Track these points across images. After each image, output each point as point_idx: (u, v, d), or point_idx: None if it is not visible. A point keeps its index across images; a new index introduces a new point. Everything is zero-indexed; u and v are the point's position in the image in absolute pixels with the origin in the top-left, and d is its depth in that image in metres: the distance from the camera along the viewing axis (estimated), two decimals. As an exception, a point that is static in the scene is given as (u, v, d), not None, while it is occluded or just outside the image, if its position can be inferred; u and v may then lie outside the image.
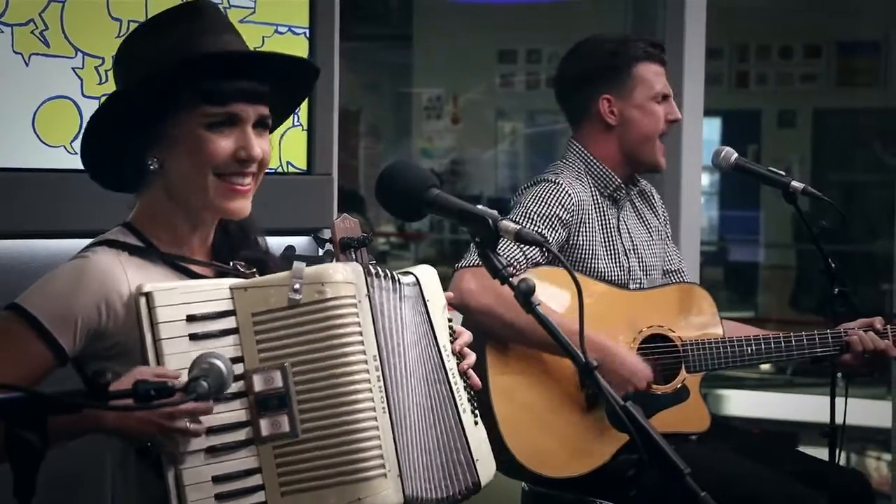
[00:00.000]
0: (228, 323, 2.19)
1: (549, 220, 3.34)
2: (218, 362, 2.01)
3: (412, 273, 2.39)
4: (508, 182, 11.70)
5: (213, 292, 2.20)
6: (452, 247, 10.74)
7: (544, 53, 10.98)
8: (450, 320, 2.47)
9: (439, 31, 11.47)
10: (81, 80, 3.03)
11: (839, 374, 3.57)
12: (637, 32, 4.66)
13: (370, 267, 2.27)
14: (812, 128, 10.85)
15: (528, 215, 3.33)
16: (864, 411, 5.83)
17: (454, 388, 2.40)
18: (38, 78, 2.97)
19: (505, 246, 3.13)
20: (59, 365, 2.25)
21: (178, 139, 2.29)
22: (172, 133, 2.29)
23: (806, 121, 10.89)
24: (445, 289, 2.50)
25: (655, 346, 3.40)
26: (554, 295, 3.19)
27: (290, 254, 2.38)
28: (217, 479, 2.15)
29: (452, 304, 3.23)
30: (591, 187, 3.49)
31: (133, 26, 3.06)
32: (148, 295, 2.15)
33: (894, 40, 10.15)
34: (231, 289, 2.21)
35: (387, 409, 2.21)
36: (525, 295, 2.08)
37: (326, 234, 2.41)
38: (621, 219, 3.54)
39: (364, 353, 2.19)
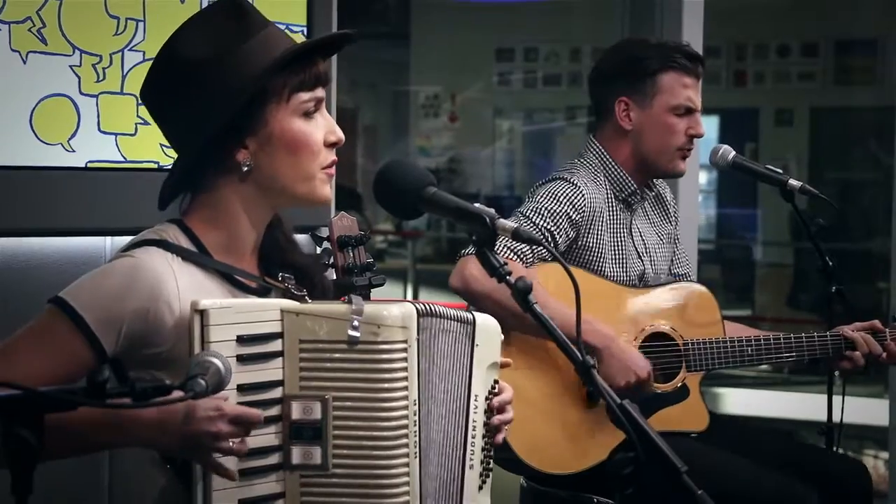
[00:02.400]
0: (275, 346, 2.15)
1: (558, 217, 3.34)
2: (216, 361, 2.01)
3: (472, 314, 2.32)
4: (506, 180, 11.71)
5: (264, 313, 2.15)
6: (450, 245, 10.75)
7: (542, 52, 10.99)
8: (496, 381, 2.39)
9: (437, 29, 11.48)
10: (79, 77, 3.02)
11: (836, 373, 3.58)
12: (634, 31, 4.66)
13: (419, 306, 2.21)
14: (809, 126, 10.86)
15: (538, 210, 3.33)
16: (861, 409, 5.81)
17: (469, 435, 2.33)
18: (35, 76, 2.96)
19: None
20: (99, 364, 2.17)
21: (272, 133, 2.21)
22: (263, 127, 2.21)
23: (803, 119, 10.90)
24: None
25: (657, 344, 3.41)
26: (561, 291, 3.18)
27: (324, 254, 2.34)
28: (243, 503, 2.11)
29: (456, 290, 3.24)
30: (606, 189, 3.47)
31: (130, 24, 3.07)
32: (203, 312, 2.09)
33: (891, 39, 10.15)
34: (282, 311, 2.16)
35: (418, 454, 2.18)
36: (522, 294, 2.07)
37: (324, 231, 2.40)
38: (634, 222, 3.53)
39: (406, 398, 2.16)
